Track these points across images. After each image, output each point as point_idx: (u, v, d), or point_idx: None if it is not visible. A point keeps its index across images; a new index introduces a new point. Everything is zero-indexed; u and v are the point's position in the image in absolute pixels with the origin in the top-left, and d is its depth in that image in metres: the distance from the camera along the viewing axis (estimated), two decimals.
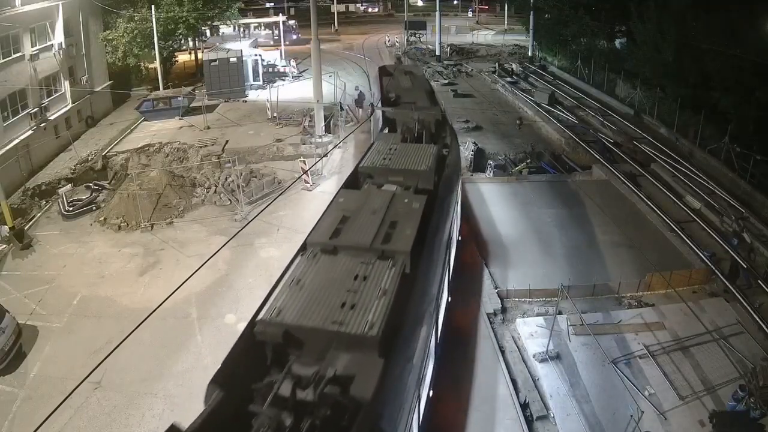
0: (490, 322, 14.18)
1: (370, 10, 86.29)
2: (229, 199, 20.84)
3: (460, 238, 15.09)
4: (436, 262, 9.10)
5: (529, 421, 11.34)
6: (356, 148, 25.15)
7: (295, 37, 53.67)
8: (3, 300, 14.58)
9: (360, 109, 31.32)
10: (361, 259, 7.38)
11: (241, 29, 50.53)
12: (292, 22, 56.18)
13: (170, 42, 37.89)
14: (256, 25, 53.88)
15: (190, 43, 44.25)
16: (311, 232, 8.20)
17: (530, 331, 13.85)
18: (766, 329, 13.78)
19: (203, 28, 42.88)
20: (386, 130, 14.55)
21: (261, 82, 36.70)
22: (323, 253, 7.61)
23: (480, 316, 14.37)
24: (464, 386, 12.01)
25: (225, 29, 49.56)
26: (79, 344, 13.71)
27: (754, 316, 14.26)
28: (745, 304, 14.75)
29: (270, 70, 39.56)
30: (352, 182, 10.65)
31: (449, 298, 11.83)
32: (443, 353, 10.86)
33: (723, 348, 13.07)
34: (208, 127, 28.97)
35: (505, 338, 13.82)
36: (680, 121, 26.27)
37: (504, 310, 14.78)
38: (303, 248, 7.91)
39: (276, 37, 49.94)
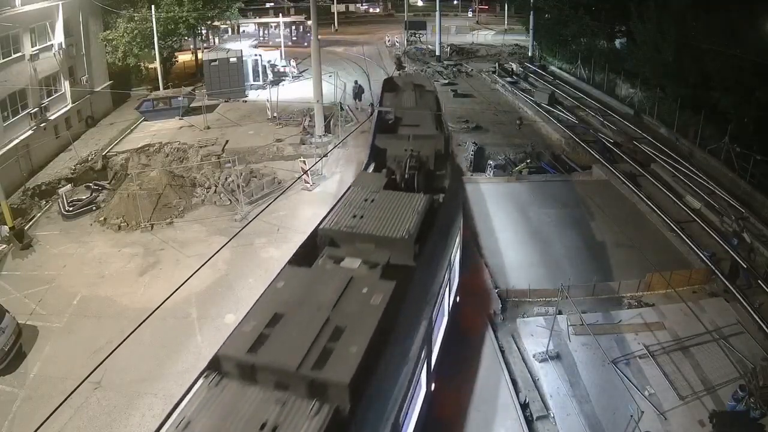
0: (490, 322, 14.18)
1: (371, 10, 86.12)
2: (229, 199, 20.84)
3: (458, 299, 12.87)
4: (399, 378, 6.96)
5: (529, 421, 11.33)
6: (356, 148, 25.13)
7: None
8: (3, 300, 14.58)
9: (358, 102, 31.79)
10: (279, 392, 5.47)
11: (261, 29, 50.37)
12: (311, 22, 55.34)
13: (170, 42, 37.87)
14: (275, 24, 53.29)
15: (204, 39, 43.93)
16: (230, 336, 6.23)
17: (530, 331, 13.85)
18: (766, 329, 13.78)
19: (224, 25, 42.63)
20: (372, 167, 11.91)
21: (261, 82, 36.67)
22: (234, 376, 5.74)
23: (480, 316, 14.37)
24: (464, 386, 12.01)
25: (245, 28, 49.34)
26: (79, 344, 13.72)
27: (754, 316, 14.25)
28: (745, 304, 14.74)
29: (272, 70, 39.60)
30: (307, 250, 8.44)
31: (433, 387, 9.83)
32: None
33: (723, 348, 13.07)
34: (208, 127, 28.97)
35: (505, 338, 13.81)
36: (680, 121, 26.27)
37: (504, 310, 14.77)
38: (214, 364, 5.99)
39: (294, 38, 49.66)
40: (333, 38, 57.68)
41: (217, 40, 49.75)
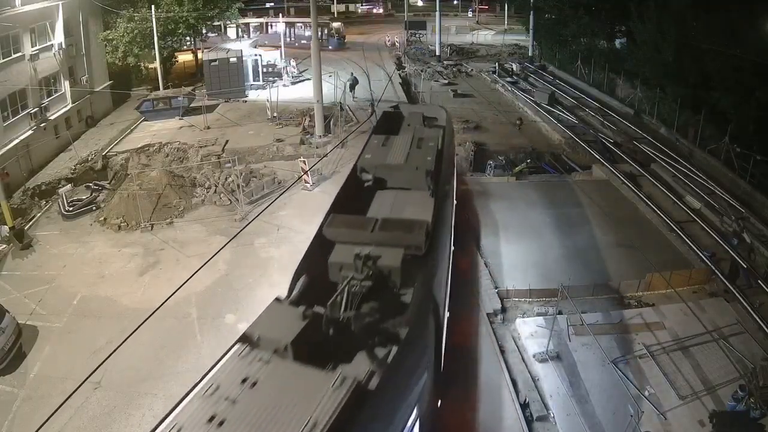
0: (490, 322, 14.19)
1: (374, 10, 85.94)
2: (229, 199, 20.85)
3: None
4: None
5: (529, 421, 11.34)
6: (356, 148, 25.11)
7: (337, 42, 50.54)
8: (3, 300, 14.57)
9: (352, 93, 32.89)
10: None
11: (288, 28, 50.22)
12: (337, 24, 52.68)
13: (170, 42, 37.86)
14: (301, 24, 52.37)
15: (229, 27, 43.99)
16: None
17: (530, 331, 13.86)
18: (766, 329, 13.79)
19: (254, 23, 41.92)
20: (300, 285, 7.36)
21: (265, 82, 36.70)
22: None
23: (480, 316, 14.38)
24: (464, 386, 12.02)
25: (276, 28, 49.28)
26: (79, 344, 13.72)
27: (754, 316, 14.27)
28: (745, 304, 14.76)
29: (270, 69, 39.66)
30: None
31: None
32: None
33: (723, 348, 13.07)
34: (208, 127, 28.97)
35: (505, 338, 13.82)
36: (680, 121, 26.29)
37: (504, 310, 14.78)
38: None
39: (320, 40, 49.31)
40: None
41: (246, 37, 50.20)
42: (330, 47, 49.24)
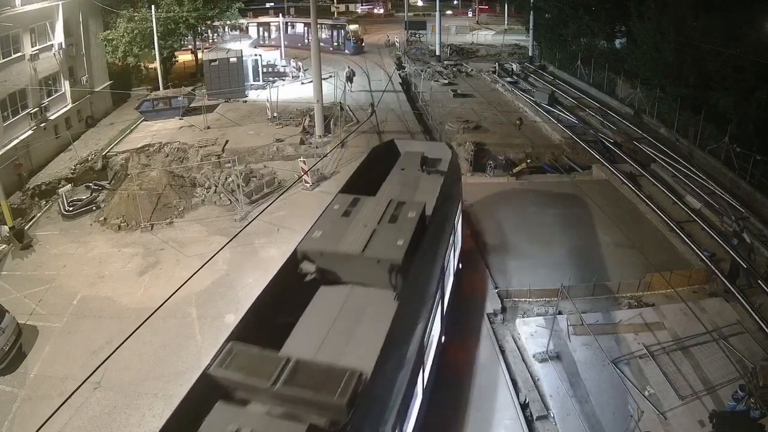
0: (490, 322, 14.19)
1: (376, 11, 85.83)
2: (229, 199, 20.85)
3: None
4: None
5: (529, 421, 11.34)
6: (356, 148, 25.13)
7: (354, 45, 49.46)
8: (3, 300, 14.58)
9: (350, 84, 34.15)
10: None
11: (306, 29, 50.32)
12: (354, 27, 51.52)
13: (170, 42, 37.87)
14: (320, 25, 51.99)
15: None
16: None
17: (530, 331, 13.85)
18: (766, 329, 13.78)
19: (274, 23, 42.76)
20: None
21: (263, 82, 36.77)
22: None
23: (480, 316, 14.38)
24: (464, 386, 12.01)
25: (292, 30, 49.41)
26: (79, 344, 13.73)
27: (754, 316, 14.25)
28: (745, 304, 14.75)
29: (271, 69, 39.71)
30: None
31: None
32: None
33: (723, 348, 13.07)
34: (208, 127, 28.97)
35: (505, 338, 13.82)
36: (680, 121, 26.29)
37: (504, 310, 14.77)
38: None
39: (336, 43, 49.10)
40: None
41: (267, 35, 50.90)
42: (347, 51, 48.81)
